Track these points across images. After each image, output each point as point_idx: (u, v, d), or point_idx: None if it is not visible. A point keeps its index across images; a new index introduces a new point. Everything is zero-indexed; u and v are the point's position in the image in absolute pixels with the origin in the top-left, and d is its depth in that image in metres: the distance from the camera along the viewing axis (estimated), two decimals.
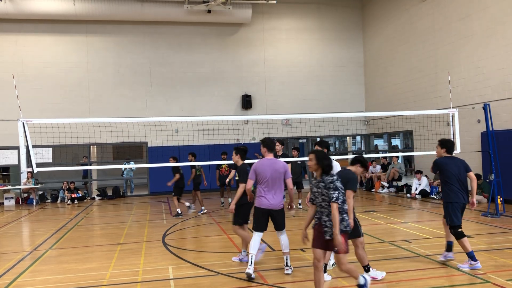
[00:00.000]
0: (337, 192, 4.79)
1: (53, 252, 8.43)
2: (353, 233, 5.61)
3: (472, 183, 6.63)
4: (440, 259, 6.67)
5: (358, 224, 5.82)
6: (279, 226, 6.45)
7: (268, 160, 6.40)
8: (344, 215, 4.92)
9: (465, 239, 6.25)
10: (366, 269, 5.90)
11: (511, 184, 11.67)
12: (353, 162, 5.92)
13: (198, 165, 13.23)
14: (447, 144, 6.69)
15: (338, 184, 4.84)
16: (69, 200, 16.61)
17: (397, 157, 16.95)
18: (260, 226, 6.38)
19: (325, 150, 6.57)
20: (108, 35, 18.69)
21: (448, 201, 6.40)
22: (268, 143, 6.61)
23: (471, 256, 6.21)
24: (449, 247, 6.63)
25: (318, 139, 21.35)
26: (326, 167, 4.93)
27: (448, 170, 6.41)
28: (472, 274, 6.04)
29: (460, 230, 6.27)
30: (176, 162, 12.42)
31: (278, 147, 11.88)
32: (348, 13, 20.84)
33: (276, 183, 6.28)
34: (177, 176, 12.41)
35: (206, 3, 17.66)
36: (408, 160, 22.32)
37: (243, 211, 6.97)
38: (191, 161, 12.88)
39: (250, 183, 6.37)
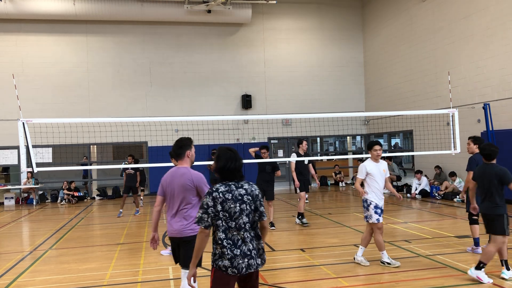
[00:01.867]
0: (201, 211, 3.53)
1: (53, 252, 8.43)
2: (497, 228, 5.69)
3: None
4: (468, 250, 7.31)
5: (504, 221, 5.72)
6: (183, 262, 4.65)
7: (176, 170, 4.65)
8: (216, 247, 3.54)
9: (475, 226, 7.15)
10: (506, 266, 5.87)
11: None
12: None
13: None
14: (479, 140, 7.26)
15: (207, 200, 3.53)
16: (68, 200, 16.61)
17: (390, 159, 16.93)
18: (176, 259, 4.81)
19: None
20: (108, 35, 18.69)
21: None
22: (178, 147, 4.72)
23: (475, 242, 7.16)
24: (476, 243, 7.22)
25: (318, 139, 21.35)
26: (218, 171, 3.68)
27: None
28: None
29: (473, 217, 7.14)
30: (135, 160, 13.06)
31: (304, 146, 10.32)
32: (348, 13, 20.84)
33: (181, 202, 4.56)
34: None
35: (206, 3, 17.66)
36: (399, 160, 22.32)
37: None
38: (130, 163, 12.66)
39: (158, 200, 4.75)
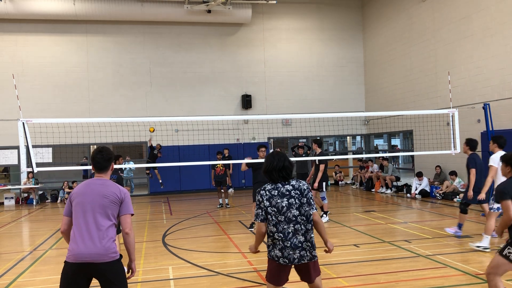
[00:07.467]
0: (256, 208, 4.01)
1: (53, 252, 8.43)
2: None
3: None
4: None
5: None
6: None
7: (94, 181, 3.88)
8: (269, 239, 4.02)
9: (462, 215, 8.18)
10: None
11: None
12: None
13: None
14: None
15: (257, 197, 3.98)
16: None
17: (387, 160, 16.95)
18: None
19: None
20: (108, 35, 18.69)
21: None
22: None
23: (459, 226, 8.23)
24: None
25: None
26: None
27: None
28: (472, 274, 6.05)
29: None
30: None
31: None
32: (348, 13, 20.84)
33: (100, 217, 3.71)
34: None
35: (206, 3, 17.66)
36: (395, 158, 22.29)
37: None
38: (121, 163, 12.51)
39: (64, 222, 3.83)
